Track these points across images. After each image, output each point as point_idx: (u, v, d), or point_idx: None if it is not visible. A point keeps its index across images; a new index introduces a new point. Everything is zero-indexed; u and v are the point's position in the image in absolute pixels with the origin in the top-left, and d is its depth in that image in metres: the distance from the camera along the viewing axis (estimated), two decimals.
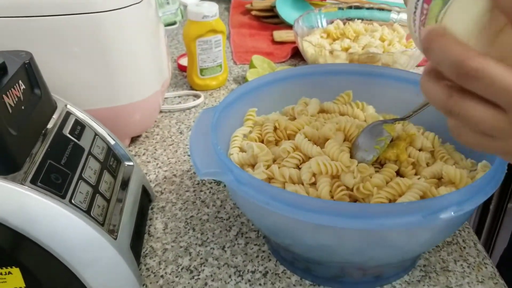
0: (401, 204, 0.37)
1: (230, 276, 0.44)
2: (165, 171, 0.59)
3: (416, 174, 0.44)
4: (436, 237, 0.40)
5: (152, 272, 0.45)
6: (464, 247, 0.47)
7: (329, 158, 0.41)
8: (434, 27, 0.22)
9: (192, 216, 0.52)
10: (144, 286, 0.43)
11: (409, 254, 0.41)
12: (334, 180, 0.41)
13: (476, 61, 0.21)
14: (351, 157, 0.43)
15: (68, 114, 0.45)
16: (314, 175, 0.41)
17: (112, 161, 0.47)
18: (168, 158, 0.61)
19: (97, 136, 0.47)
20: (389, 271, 0.43)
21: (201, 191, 0.56)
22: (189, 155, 0.61)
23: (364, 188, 0.39)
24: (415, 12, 0.27)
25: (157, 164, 0.60)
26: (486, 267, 0.45)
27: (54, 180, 0.38)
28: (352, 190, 0.40)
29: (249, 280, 0.44)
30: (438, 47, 0.22)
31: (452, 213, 0.34)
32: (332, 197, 0.40)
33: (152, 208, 0.53)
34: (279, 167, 0.43)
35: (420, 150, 0.46)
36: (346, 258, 0.40)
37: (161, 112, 0.72)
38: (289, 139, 0.48)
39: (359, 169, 0.41)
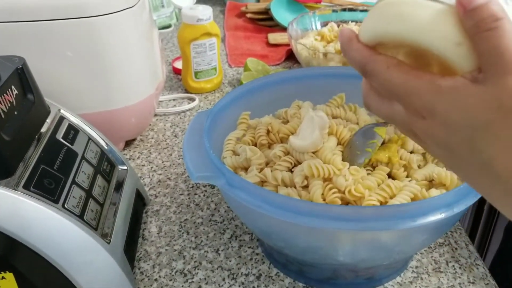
0: (392, 206, 0.37)
1: (223, 279, 0.44)
2: (160, 174, 0.59)
3: (407, 176, 0.44)
4: (427, 239, 0.40)
5: (146, 275, 0.45)
6: (456, 248, 0.48)
7: (321, 161, 0.42)
8: (346, 31, 0.29)
9: (186, 220, 0.52)
10: None
11: (400, 255, 0.42)
12: (326, 183, 0.41)
13: (371, 65, 0.27)
14: (343, 160, 0.43)
15: (62, 118, 0.45)
16: (306, 178, 0.42)
17: (105, 165, 0.47)
18: (162, 162, 0.62)
19: (90, 141, 0.47)
20: (381, 272, 0.44)
21: (195, 194, 0.56)
22: (183, 159, 0.62)
23: (356, 190, 0.39)
24: None
25: (152, 167, 0.61)
26: (477, 268, 0.45)
27: (47, 185, 0.38)
28: (344, 192, 0.40)
29: (242, 283, 0.44)
30: (348, 49, 0.29)
31: (443, 215, 0.34)
32: (324, 199, 0.40)
33: (146, 212, 0.53)
34: (272, 170, 0.43)
35: (411, 152, 0.46)
36: (338, 260, 0.40)
37: (155, 115, 0.73)
38: (282, 142, 0.48)
39: (351, 172, 0.41)
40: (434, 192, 0.40)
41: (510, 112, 0.22)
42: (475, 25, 0.22)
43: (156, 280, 0.45)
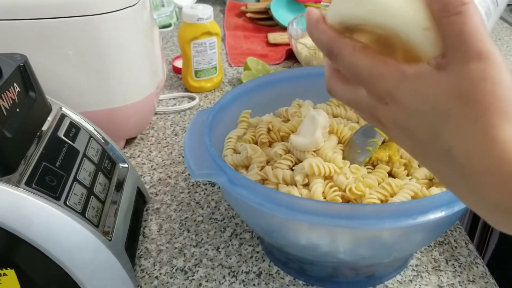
0: (392, 204, 0.37)
1: (224, 277, 0.45)
2: (160, 172, 0.59)
3: (408, 175, 0.44)
4: (427, 237, 0.40)
5: (146, 273, 0.45)
6: (456, 247, 0.48)
7: (322, 160, 0.42)
8: (314, 11, 0.28)
9: (186, 218, 0.52)
10: (139, 287, 0.44)
11: (400, 253, 0.42)
12: (327, 181, 0.41)
13: (337, 47, 0.26)
14: (344, 158, 0.43)
15: (63, 116, 0.45)
16: (307, 176, 0.42)
17: (107, 163, 0.47)
18: (163, 160, 0.62)
19: (91, 138, 0.47)
20: (382, 270, 0.44)
21: (195, 192, 0.56)
22: (183, 157, 0.62)
23: (357, 189, 0.40)
24: None
25: (152, 166, 0.61)
26: (477, 267, 0.46)
27: (49, 182, 0.38)
28: (344, 191, 0.40)
29: (243, 281, 0.44)
30: (314, 30, 0.28)
31: (443, 213, 0.34)
32: (324, 198, 0.40)
33: (147, 210, 0.53)
34: (272, 169, 0.43)
35: None
36: (339, 258, 0.40)
37: (156, 114, 0.73)
38: (282, 140, 0.48)
39: (351, 170, 0.41)
40: (435, 190, 0.40)
41: (468, 101, 0.22)
42: (442, 9, 0.22)
43: (156, 277, 0.45)
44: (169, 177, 0.59)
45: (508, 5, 1.22)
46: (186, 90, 0.80)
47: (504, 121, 0.21)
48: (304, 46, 0.77)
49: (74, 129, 0.45)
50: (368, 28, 0.26)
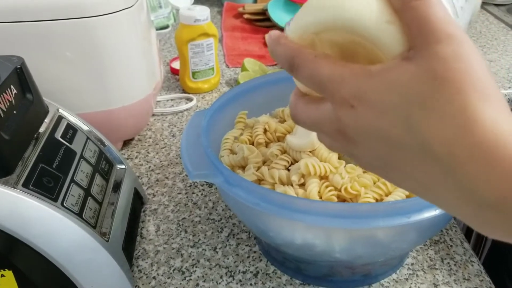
0: (387, 203, 0.37)
1: (221, 277, 0.45)
2: (158, 173, 0.60)
3: None
4: (422, 235, 0.41)
5: (144, 273, 0.45)
6: (451, 246, 0.48)
7: (318, 160, 0.42)
8: (274, 31, 0.28)
9: (184, 218, 0.52)
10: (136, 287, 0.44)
11: (396, 252, 0.42)
12: (323, 181, 0.42)
13: (299, 58, 0.26)
14: (340, 158, 0.44)
15: (60, 118, 0.46)
16: (303, 176, 0.42)
17: (104, 164, 0.47)
18: (160, 161, 0.62)
19: (89, 140, 0.47)
20: (378, 269, 0.44)
21: (193, 193, 0.56)
22: (181, 158, 0.62)
23: (352, 188, 0.40)
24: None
25: (150, 167, 0.61)
26: (472, 265, 0.46)
27: (46, 183, 0.38)
28: (340, 190, 0.41)
29: (240, 281, 0.44)
30: (275, 47, 0.27)
31: (437, 211, 0.35)
32: (320, 197, 0.40)
33: (144, 211, 0.54)
34: (269, 169, 0.43)
35: None
36: (335, 257, 0.41)
37: (153, 115, 0.73)
38: (279, 141, 0.48)
39: (347, 170, 0.42)
40: None
41: (445, 81, 0.21)
42: None
43: (154, 278, 0.45)
44: (167, 178, 0.59)
45: (504, 4, 1.22)
46: (184, 91, 0.80)
47: (482, 100, 0.20)
48: None
49: (71, 130, 0.45)
50: (329, 36, 0.25)
